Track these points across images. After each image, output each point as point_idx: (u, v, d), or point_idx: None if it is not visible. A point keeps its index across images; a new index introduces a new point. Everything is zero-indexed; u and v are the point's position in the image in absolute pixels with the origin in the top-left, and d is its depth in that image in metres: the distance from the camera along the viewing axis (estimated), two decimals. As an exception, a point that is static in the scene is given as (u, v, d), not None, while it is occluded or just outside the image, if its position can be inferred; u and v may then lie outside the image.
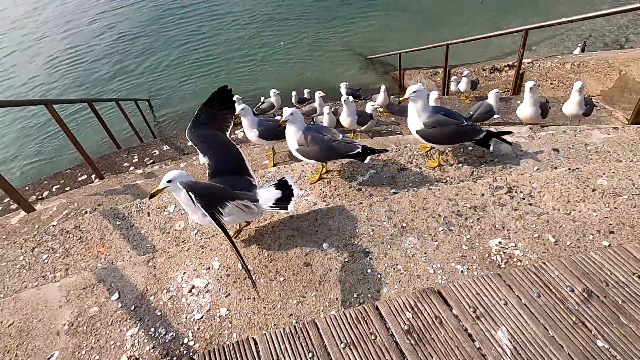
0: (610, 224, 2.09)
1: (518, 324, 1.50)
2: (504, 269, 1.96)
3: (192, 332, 1.93)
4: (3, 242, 3.03)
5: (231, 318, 1.96)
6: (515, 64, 6.59)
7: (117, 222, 2.95)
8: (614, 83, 5.34)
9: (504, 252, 2.06)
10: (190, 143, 6.32)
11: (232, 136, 2.50)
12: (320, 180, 3.04)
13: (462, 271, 2.00)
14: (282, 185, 2.25)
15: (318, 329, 1.59)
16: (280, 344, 1.56)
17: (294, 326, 1.61)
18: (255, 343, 1.58)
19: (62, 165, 7.33)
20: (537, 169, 2.84)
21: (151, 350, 1.88)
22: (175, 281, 2.18)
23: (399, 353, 1.48)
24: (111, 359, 1.87)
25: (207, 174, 2.31)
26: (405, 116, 6.74)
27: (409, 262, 2.09)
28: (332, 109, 5.59)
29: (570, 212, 2.22)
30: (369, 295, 1.97)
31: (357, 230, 2.31)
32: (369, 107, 5.19)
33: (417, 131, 2.87)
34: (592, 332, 1.45)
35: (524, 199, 2.37)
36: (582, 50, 7.58)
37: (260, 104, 7.50)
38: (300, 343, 1.55)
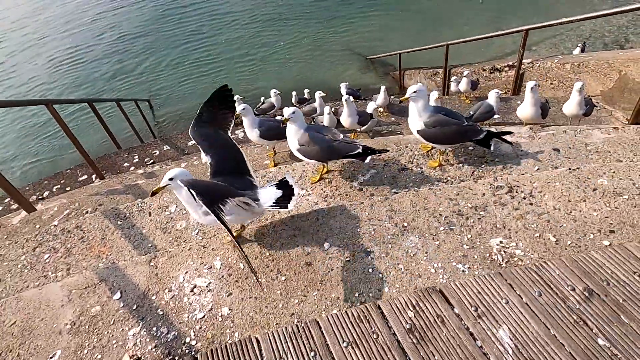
0: (611, 224, 2.10)
1: (519, 322, 1.51)
2: (505, 268, 1.97)
3: (194, 332, 1.93)
4: (4, 241, 3.04)
5: (233, 317, 1.96)
6: (515, 64, 6.60)
7: (119, 222, 2.96)
8: (614, 83, 5.35)
9: (505, 252, 2.07)
10: (190, 143, 6.40)
11: (232, 136, 2.50)
12: (321, 180, 3.04)
13: (463, 270, 2.01)
14: (283, 185, 2.25)
15: (320, 327, 1.60)
16: (283, 342, 1.57)
17: (296, 325, 1.62)
18: (258, 342, 1.59)
19: (63, 165, 7.33)
20: (538, 169, 2.84)
21: (153, 350, 1.88)
22: (177, 280, 2.18)
23: (401, 352, 1.48)
24: (113, 358, 1.87)
25: (208, 174, 2.31)
26: (405, 116, 6.75)
27: (410, 261, 2.10)
28: (333, 109, 5.59)
29: (570, 212, 2.22)
30: (370, 294, 1.97)
31: (358, 230, 2.31)
32: (370, 107, 5.20)
33: (417, 131, 2.87)
34: (593, 331, 1.46)
35: (524, 198, 2.38)
36: (582, 51, 7.59)
37: (260, 104, 7.50)
38: (303, 342, 1.56)
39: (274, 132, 3.69)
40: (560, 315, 1.52)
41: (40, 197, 5.49)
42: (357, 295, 1.98)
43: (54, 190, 5.62)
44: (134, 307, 2.08)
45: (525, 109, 4.08)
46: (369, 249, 2.19)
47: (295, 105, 7.63)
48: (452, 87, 6.86)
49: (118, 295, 2.15)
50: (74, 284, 2.25)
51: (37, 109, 10.06)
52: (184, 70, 11.74)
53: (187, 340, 1.90)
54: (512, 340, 1.46)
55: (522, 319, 1.52)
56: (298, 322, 1.76)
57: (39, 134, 9.99)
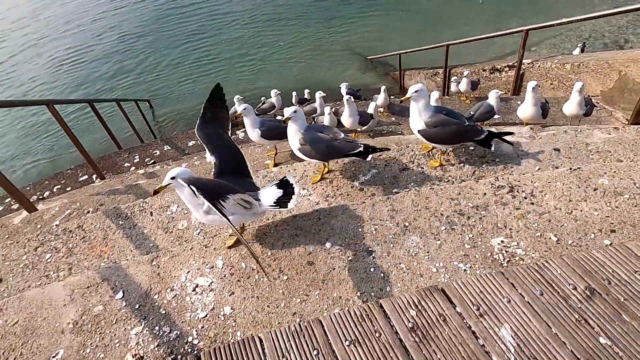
0: (612, 223, 2.11)
1: (521, 321, 1.52)
2: (507, 267, 1.98)
3: (196, 331, 1.94)
4: (6, 241, 3.04)
5: (235, 316, 1.97)
6: (516, 64, 6.61)
7: (120, 222, 2.96)
8: (614, 83, 5.36)
9: (506, 251, 2.07)
10: (191, 143, 6.41)
11: (233, 136, 2.52)
12: (323, 180, 3.05)
13: (464, 270, 2.02)
14: (284, 184, 2.27)
15: (323, 326, 1.60)
16: (286, 341, 1.57)
17: (299, 324, 1.63)
18: (261, 341, 1.60)
19: (63, 165, 7.34)
20: (539, 169, 2.85)
21: (156, 349, 1.89)
22: (179, 280, 2.19)
23: (404, 350, 1.49)
24: (116, 357, 1.88)
25: (211, 173, 2.32)
26: (405, 117, 6.78)
27: (412, 260, 2.10)
28: (333, 109, 5.60)
29: (571, 211, 2.23)
30: (372, 293, 1.98)
31: (359, 230, 2.32)
32: (370, 108, 5.21)
33: (419, 131, 2.88)
34: (595, 330, 1.46)
35: (525, 198, 2.38)
36: (582, 51, 7.60)
37: (261, 104, 7.51)
38: (305, 340, 1.57)
39: (275, 132, 3.70)
40: (561, 314, 1.52)
41: (40, 197, 5.49)
42: (359, 294, 1.99)
43: (55, 190, 5.62)
44: (137, 306, 2.08)
45: (526, 108, 4.09)
46: (370, 249, 2.19)
47: (296, 106, 7.63)
48: (452, 87, 6.87)
49: (120, 294, 2.16)
50: (77, 283, 2.25)
51: (37, 109, 10.07)
52: (184, 70, 11.74)
53: (190, 339, 1.91)
54: (514, 339, 1.47)
55: (523, 317, 1.53)
56: (300, 321, 1.77)
57: (39, 134, 9.99)
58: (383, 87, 6.69)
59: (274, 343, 1.57)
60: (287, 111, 2.78)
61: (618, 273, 1.64)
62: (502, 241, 2.13)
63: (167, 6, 15.13)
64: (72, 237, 2.92)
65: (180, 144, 6.49)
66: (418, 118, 2.86)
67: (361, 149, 2.72)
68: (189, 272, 2.22)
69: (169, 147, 6.43)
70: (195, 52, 12.41)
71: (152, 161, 6.06)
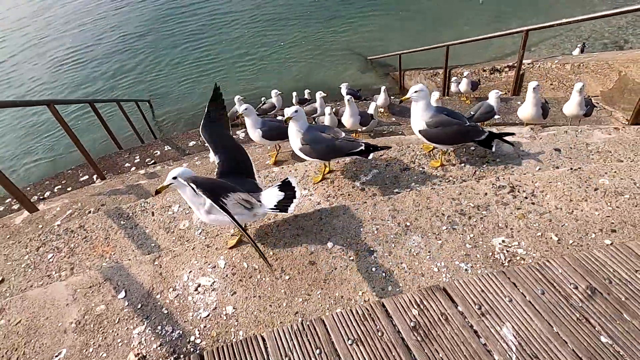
0: (612, 223, 2.12)
1: (523, 320, 1.53)
2: (508, 267, 1.99)
3: (198, 330, 1.94)
4: (8, 241, 3.05)
5: (237, 316, 1.98)
6: (516, 64, 6.63)
7: (122, 222, 2.97)
8: (614, 84, 5.37)
9: (507, 251, 2.08)
10: (191, 143, 6.42)
11: (233, 136, 2.53)
12: (324, 180, 3.05)
13: (466, 269, 2.02)
14: (285, 187, 2.27)
15: (325, 325, 1.61)
16: (288, 340, 1.58)
17: (301, 323, 1.63)
18: (264, 340, 1.60)
19: (64, 166, 7.34)
20: (539, 169, 2.86)
21: (158, 348, 1.89)
22: (182, 280, 2.20)
23: (406, 349, 1.49)
24: (118, 356, 1.88)
25: (215, 173, 2.33)
26: (405, 117, 6.79)
27: (413, 260, 2.11)
28: (333, 110, 5.61)
29: (572, 211, 2.24)
30: (374, 293, 1.99)
31: (361, 229, 2.33)
32: (371, 108, 5.22)
33: (420, 131, 2.89)
34: (596, 329, 1.47)
35: (526, 198, 2.39)
36: (582, 51, 7.62)
37: (261, 104, 7.51)
38: (308, 339, 1.57)
39: (276, 132, 3.70)
40: (563, 313, 1.53)
41: (41, 197, 5.49)
42: (360, 294, 1.99)
43: (55, 190, 5.62)
44: (139, 306, 2.09)
45: (527, 109, 4.10)
46: (372, 248, 2.20)
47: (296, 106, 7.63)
48: (453, 87, 6.87)
49: (123, 294, 2.16)
50: (79, 283, 2.26)
51: (37, 109, 10.07)
52: (184, 70, 11.75)
53: (192, 338, 1.91)
54: (515, 338, 1.48)
55: (525, 316, 1.54)
56: (302, 320, 1.77)
57: (39, 134, 10.00)
58: (383, 88, 6.69)
59: (277, 342, 1.58)
60: (288, 111, 2.79)
61: (619, 272, 1.65)
62: (503, 241, 2.14)
63: (167, 6, 15.14)
64: (73, 237, 2.93)
65: (180, 144, 6.49)
66: (419, 118, 2.87)
67: (362, 147, 2.73)
68: (191, 271, 2.23)
69: (169, 148, 6.44)
70: (195, 52, 12.42)
71: (153, 161, 6.06)
